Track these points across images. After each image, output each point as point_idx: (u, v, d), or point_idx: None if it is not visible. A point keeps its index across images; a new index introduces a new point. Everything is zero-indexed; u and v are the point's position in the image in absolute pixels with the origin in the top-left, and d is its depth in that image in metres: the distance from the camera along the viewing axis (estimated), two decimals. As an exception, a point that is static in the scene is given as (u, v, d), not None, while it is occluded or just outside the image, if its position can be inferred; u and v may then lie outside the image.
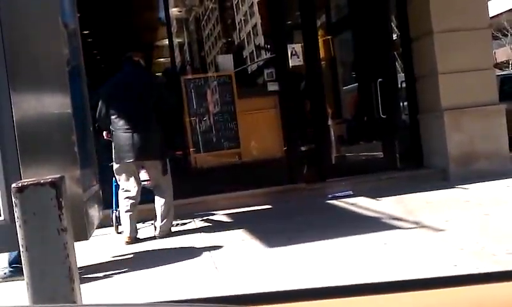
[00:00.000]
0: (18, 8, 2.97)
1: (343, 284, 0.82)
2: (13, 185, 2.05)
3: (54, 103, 2.97)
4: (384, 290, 0.77)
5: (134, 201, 5.05)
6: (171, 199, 5.18)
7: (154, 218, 5.25)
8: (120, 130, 4.98)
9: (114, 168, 5.16)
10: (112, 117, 5.03)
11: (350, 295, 0.76)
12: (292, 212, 5.89)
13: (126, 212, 5.05)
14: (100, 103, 5.08)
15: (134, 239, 5.05)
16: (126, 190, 5.08)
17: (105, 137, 5.22)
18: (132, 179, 5.08)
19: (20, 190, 2.01)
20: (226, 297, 0.83)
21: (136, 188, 5.09)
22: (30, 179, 2.09)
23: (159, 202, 5.13)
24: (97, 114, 5.05)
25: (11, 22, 2.95)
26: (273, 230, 4.98)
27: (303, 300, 0.76)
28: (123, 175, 5.09)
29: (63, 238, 2.04)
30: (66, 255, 2.05)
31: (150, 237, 5.19)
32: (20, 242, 2.00)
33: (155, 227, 5.18)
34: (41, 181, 2.01)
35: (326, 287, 0.79)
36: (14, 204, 2.02)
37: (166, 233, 5.14)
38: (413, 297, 0.76)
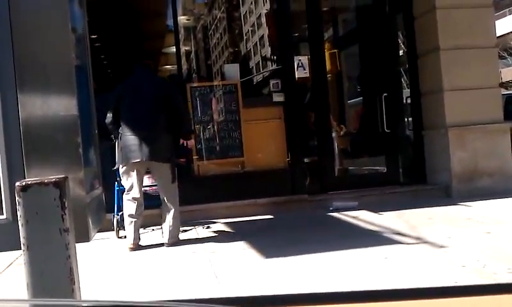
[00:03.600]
0: (28, 11, 3.00)
1: (340, 291, 0.83)
2: (17, 183, 2.05)
3: (61, 105, 2.99)
4: (380, 298, 0.77)
5: (138, 205, 5.03)
6: (178, 206, 5.14)
7: (161, 225, 5.22)
8: (129, 132, 4.96)
9: (120, 171, 5.14)
10: (123, 119, 5.02)
11: (348, 301, 0.76)
12: (293, 223, 5.88)
13: (130, 216, 5.02)
14: (110, 107, 5.09)
15: (137, 246, 5.02)
16: (130, 193, 5.05)
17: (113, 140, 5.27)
18: (137, 182, 5.04)
19: (24, 189, 2.01)
20: (226, 298, 0.84)
21: (141, 192, 5.06)
22: (34, 178, 2.10)
23: (167, 210, 5.06)
24: (108, 117, 5.07)
25: (21, 24, 2.98)
26: (274, 241, 4.97)
27: (299, 305, 0.77)
28: (129, 178, 5.04)
29: (65, 238, 2.04)
30: (68, 256, 2.05)
31: (152, 245, 5.18)
32: (22, 241, 2.01)
33: (163, 235, 5.11)
34: (45, 180, 2.02)
35: (322, 292, 0.79)
36: (17, 203, 2.02)
37: (175, 241, 5.08)
38: (410, 305, 0.76)
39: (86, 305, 0.98)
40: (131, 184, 5.06)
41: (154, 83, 5.23)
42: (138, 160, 4.95)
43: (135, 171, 5.03)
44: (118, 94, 5.14)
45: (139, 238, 5.08)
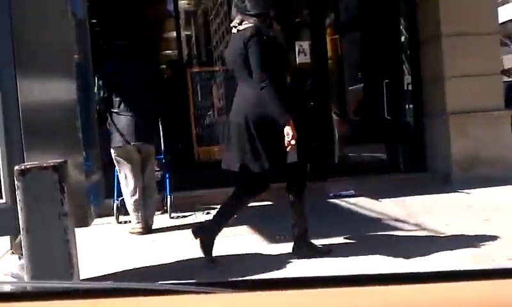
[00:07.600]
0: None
1: (338, 274, 0.83)
2: (16, 167, 2.05)
3: (60, 90, 2.98)
4: (377, 282, 0.77)
5: (137, 196, 4.97)
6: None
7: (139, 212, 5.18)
8: (121, 115, 4.88)
9: (113, 154, 5.03)
10: (116, 99, 4.92)
11: (345, 285, 0.76)
12: (293, 209, 5.88)
13: (133, 211, 4.98)
14: (102, 86, 4.95)
15: (141, 230, 4.98)
16: (127, 183, 5.00)
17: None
18: (133, 168, 4.98)
19: (23, 173, 2.01)
20: (219, 282, 0.84)
21: (139, 180, 5.00)
22: (33, 162, 2.10)
23: (150, 197, 5.09)
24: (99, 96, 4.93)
25: (21, 8, 2.96)
26: (273, 226, 4.98)
27: (295, 289, 0.77)
28: (124, 163, 4.99)
29: (63, 222, 2.05)
30: (67, 240, 2.06)
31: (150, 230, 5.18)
32: (21, 225, 2.02)
33: (143, 220, 5.03)
34: (44, 165, 2.01)
35: (321, 276, 0.79)
36: (16, 187, 2.03)
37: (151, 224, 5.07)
38: (407, 290, 0.77)
39: (84, 287, 0.98)
40: (127, 171, 5.01)
41: (136, 66, 5.10)
42: (138, 143, 4.91)
43: (129, 155, 4.97)
44: (110, 76, 4.99)
45: (152, 221, 5.10)
